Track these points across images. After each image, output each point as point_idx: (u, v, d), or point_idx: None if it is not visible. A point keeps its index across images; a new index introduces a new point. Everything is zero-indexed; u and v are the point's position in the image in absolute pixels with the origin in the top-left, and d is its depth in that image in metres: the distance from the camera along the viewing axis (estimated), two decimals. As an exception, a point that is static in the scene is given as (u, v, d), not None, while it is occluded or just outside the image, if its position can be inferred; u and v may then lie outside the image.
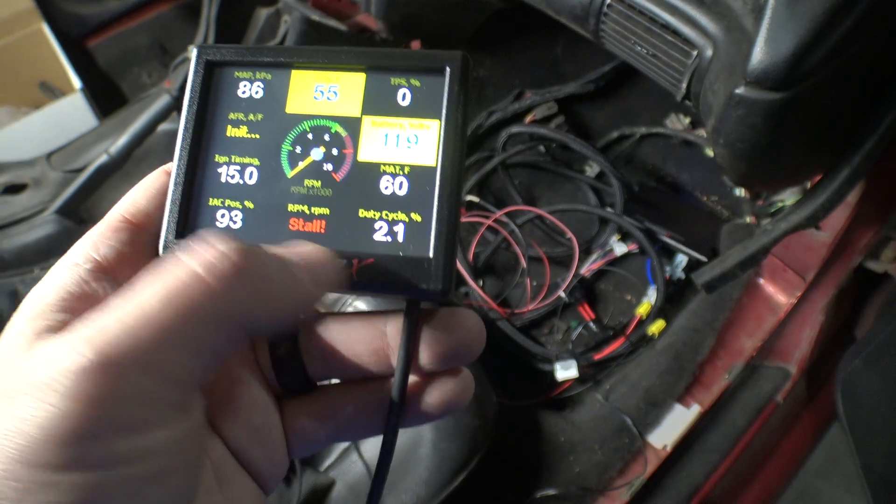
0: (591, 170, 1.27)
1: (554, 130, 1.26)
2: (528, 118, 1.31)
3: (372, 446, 0.87)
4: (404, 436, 0.86)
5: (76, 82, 1.42)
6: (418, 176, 0.30)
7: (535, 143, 1.27)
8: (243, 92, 0.33)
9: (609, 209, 1.19)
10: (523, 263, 1.14)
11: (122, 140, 1.15)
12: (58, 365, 0.22)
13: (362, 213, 0.30)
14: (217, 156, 0.32)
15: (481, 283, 1.16)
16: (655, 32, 0.68)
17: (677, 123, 1.29)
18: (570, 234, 1.15)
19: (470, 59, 0.31)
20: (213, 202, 0.32)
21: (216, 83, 0.33)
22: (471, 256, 1.17)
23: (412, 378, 0.30)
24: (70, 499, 0.21)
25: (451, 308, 0.30)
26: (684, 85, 0.68)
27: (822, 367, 1.09)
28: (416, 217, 0.30)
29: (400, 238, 0.30)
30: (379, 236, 0.30)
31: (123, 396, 0.22)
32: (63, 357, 0.22)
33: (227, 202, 0.32)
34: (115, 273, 0.29)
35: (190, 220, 0.32)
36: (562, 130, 1.27)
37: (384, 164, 0.31)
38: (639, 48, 0.71)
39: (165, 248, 0.31)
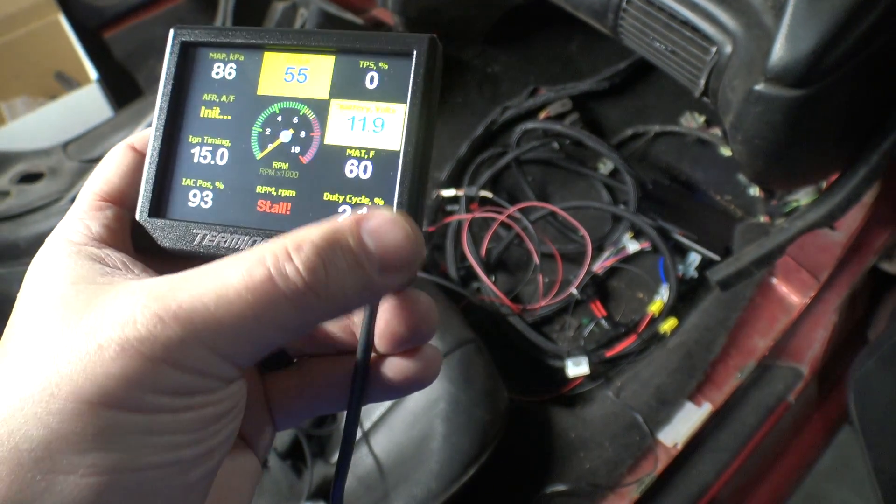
0: (605, 167, 1.27)
1: (568, 127, 1.25)
2: (543, 115, 1.31)
3: (382, 438, 0.87)
4: (415, 429, 0.86)
5: (92, 73, 1.43)
6: (382, 160, 0.31)
7: (549, 139, 1.27)
8: (217, 73, 0.33)
9: (622, 207, 1.18)
10: (536, 260, 1.14)
11: (137, 131, 1.16)
12: (127, 320, 0.24)
13: (327, 196, 0.31)
14: (191, 136, 0.32)
15: (494, 278, 1.16)
16: (674, 28, 0.68)
17: (692, 122, 1.29)
18: (582, 231, 1.15)
19: (438, 43, 0.31)
20: (186, 182, 0.32)
21: (191, 63, 0.33)
22: (483, 252, 1.17)
23: (375, 357, 0.31)
24: (119, 443, 0.23)
25: (406, 292, 0.30)
26: (703, 81, 0.68)
27: (834, 368, 1.08)
28: (379, 202, 0.30)
29: None
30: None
31: (182, 365, 0.24)
32: (135, 312, 0.24)
33: (199, 182, 0.32)
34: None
35: (164, 199, 0.32)
36: (576, 127, 1.27)
37: (350, 148, 0.31)
38: (657, 44, 0.71)
39: (140, 226, 0.31)
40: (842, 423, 1.14)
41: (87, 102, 1.40)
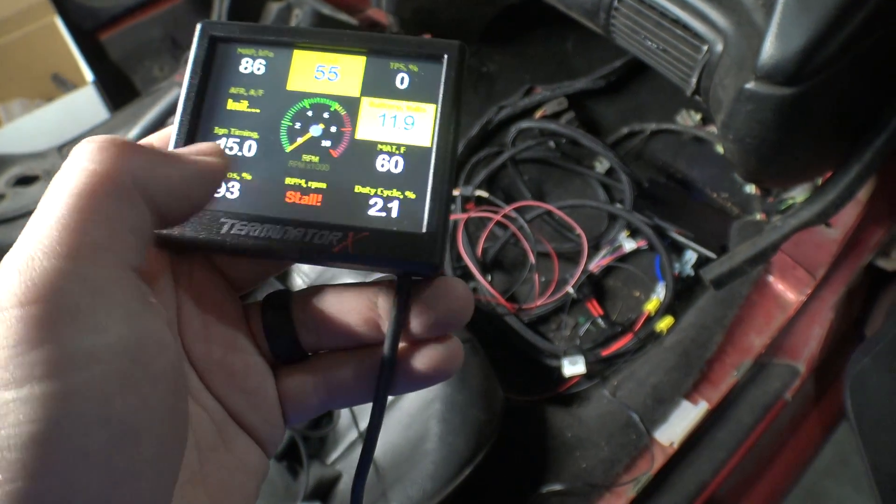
0: (601, 166, 1.27)
1: (564, 126, 1.25)
2: (538, 114, 1.30)
3: (378, 438, 0.87)
4: (411, 429, 0.86)
5: (88, 75, 1.42)
6: (413, 155, 0.32)
7: (544, 138, 1.27)
8: (245, 68, 0.33)
9: (618, 205, 1.18)
10: (532, 259, 1.14)
11: (134, 133, 1.16)
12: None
13: (358, 188, 0.31)
14: (216, 128, 0.32)
15: (489, 278, 1.16)
16: (665, 27, 0.68)
17: (688, 120, 1.28)
18: (578, 230, 1.15)
19: (467, 49, 0.33)
20: None
21: (218, 58, 0.33)
22: (479, 251, 1.17)
23: (401, 345, 0.31)
24: (40, 412, 0.20)
25: (442, 278, 0.31)
26: (694, 80, 0.68)
27: (831, 366, 1.08)
28: (411, 195, 0.31)
29: (394, 214, 0.31)
30: (374, 211, 0.31)
31: (66, 289, 0.22)
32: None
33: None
34: None
35: None
36: (572, 126, 1.27)
37: (381, 143, 0.32)
38: (649, 43, 0.71)
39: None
40: (839, 420, 1.14)
41: (83, 105, 1.40)
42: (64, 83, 1.53)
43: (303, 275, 1.01)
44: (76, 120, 1.35)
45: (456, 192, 1.20)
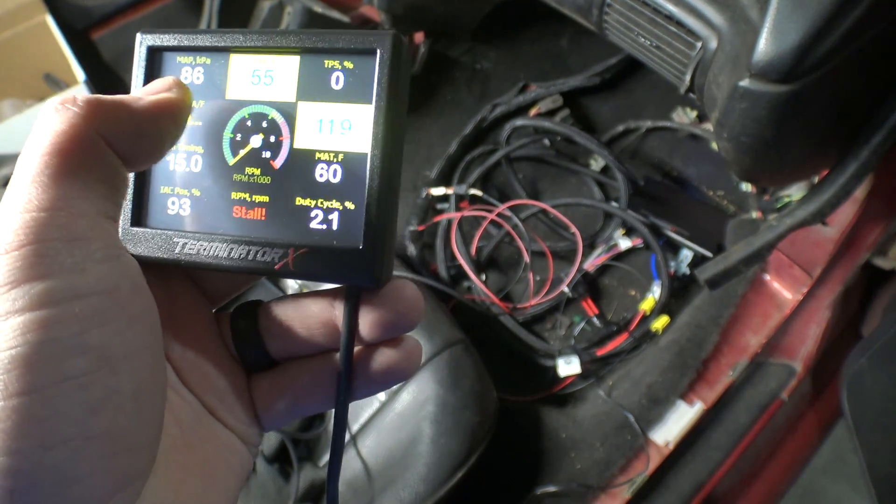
0: (596, 164, 1.26)
1: (559, 124, 1.24)
2: (533, 111, 1.30)
3: (370, 442, 0.87)
4: (403, 431, 0.86)
5: (80, 74, 1.41)
6: (351, 163, 0.30)
7: (539, 136, 1.26)
8: (185, 78, 0.32)
9: (614, 203, 1.18)
10: (526, 258, 1.13)
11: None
12: None
13: (299, 200, 0.30)
14: None
15: (484, 277, 1.15)
16: (659, 23, 0.67)
17: (683, 117, 1.28)
18: (573, 229, 1.14)
19: (403, 39, 0.30)
20: (165, 190, 0.32)
21: (159, 69, 0.33)
22: (473, 250, 1.16)
23: (358, 349, 0.31)
24: (20, 338, 0.22)
25: (392, 282, 0.31)
26: (688, 77, 0.67)
27: (827, 365, 1.07)
28: (350, 205, 0.30)
29: (334, 226, 0.30)
30: (315, 224, 0.30)
31: (44, 236, 0.23)
32: None
33: (177, 189, 0.32)
34: None
35: (144, 208, 0.32)
36: (566, 124, 1.26)
37: (319, 152, 0.30)
38: (642, 39, 0.70)
39: (123, 236, 0.32)
40: (836, 419, 1.13)
41: (75, 104, 1.39)
42: (56, 83, 1.52)
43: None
44: (67, 119, 1.34)
45: (450, 191, 1.19)
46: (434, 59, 1.36)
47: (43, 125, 0.25)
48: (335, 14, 1.19)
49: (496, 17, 1.33)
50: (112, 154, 0.26)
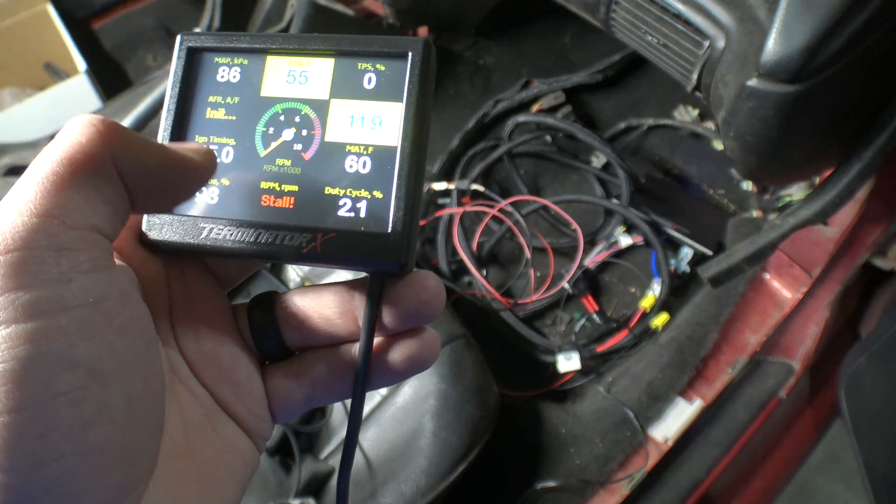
0: (598, 160, 1.26)
1: (561, 120, 1.25)
2: (535, 107, 1.30)
3: (371, 435, 0.87)
4: (405, 425, 0.86)
5: (81, 64, 1.41)
6: (381, 155, 0.32)
7: (541, 132, 1.26)
8: (222, 76, 0.34)
9: (615, 200, 1.18)
10: (527, 254, 1.13)
11: (126, 122, 1.15)
12: None
13: (328, 189, 0.32)
14: (197, 136, 0.34)
15: (485, 272, 1.15)
16: (667, 22, 0.67)
17: (685, 115, 1.28)
18: (575, 225, 1.15)
19: (432, 45, 0.33)
20: None
21: (197, 68, 0.35)
22: (475, 246, 1.16)
23: (377, 339, 0.32)
24: (8, 352, 0.22)
25: (413, 272, 0.32)
26: (695, 76, 0.67)
27: (825, 364, 1.08)
28: (378, 194, 0.32)
29: (362, 214, 0.32)
30: (343, 212, 0.32)
31: (33, 243, 0.23)
32: None
33: None
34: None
35: None
36: (569, 120, 1.26)
37: (349, 145, 0.33)
38: (649, 38, 0.70)
39: (147, 223, 0.33)
40: (833, 418, 1.14)
41: (76, 94, 1.38)
42: (56, 72, 1.52)
43: (296, 268, 1.00)
44: (68, 109, 1.34)
45: (451, 186, 1.20)
46: (437, 54, 1.36)
47: (64, 134, 0.26)
48: (339, 7, 1.19)
49: (500, 12, 1.33)
50: (119, 182, 0.26)
